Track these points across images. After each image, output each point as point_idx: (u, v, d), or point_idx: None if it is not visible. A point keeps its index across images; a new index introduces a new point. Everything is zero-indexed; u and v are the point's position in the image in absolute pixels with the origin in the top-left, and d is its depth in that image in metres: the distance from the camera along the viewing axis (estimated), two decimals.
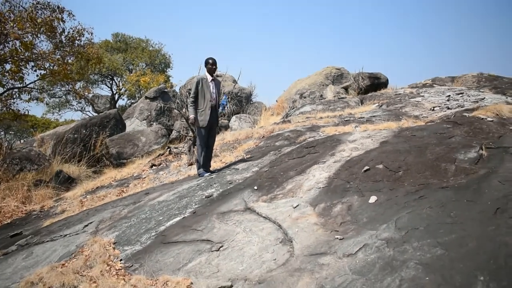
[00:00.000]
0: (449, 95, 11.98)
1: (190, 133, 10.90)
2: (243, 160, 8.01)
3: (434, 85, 16.12)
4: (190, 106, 7.42)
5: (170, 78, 31.04)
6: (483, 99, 10.67)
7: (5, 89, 12.61)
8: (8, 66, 12.31)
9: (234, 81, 19.71)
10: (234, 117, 15.86)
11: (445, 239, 3.27)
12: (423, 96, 12.72)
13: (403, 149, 5.84)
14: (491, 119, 6.91)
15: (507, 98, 10.93)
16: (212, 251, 4.23)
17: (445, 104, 10.56)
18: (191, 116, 7.36)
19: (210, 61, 7.54)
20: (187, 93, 16.40)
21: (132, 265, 4.34)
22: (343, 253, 3.51)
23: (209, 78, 7.52)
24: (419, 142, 6.12)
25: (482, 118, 7.02)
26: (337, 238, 3.84)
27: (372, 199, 4.51)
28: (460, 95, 11.85)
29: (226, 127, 14.98)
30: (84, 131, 13.79)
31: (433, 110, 10.06)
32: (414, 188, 4.52)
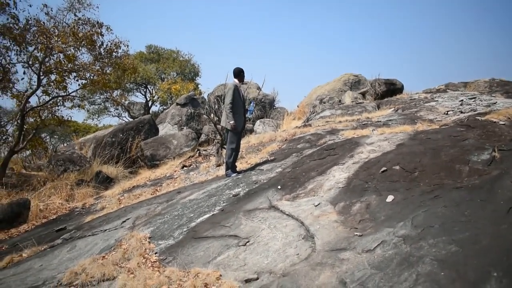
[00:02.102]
0: (462, 100, 11.73)
1: (218, 137, 10.97)
2: (267, 162, 8.02)
3: (448, 90, 15.81)
4: (230, 112, 7.30)
5: (199, 86, 31.20)
6: (495, 103, 10.41)
7: (50, 98, 12.91)
8: (53, 77, 12.61)
9: (259, 88, 19.76)
10: (258, 121, 15.88)
11: (460, 236, 3.22)
12: (437, 100, 12.50)
13: (419, 151, 5.76)
14: (503, 123, 6.74)
15: None
16: (239, 246, 4.26)
17: (458, 109, 10.35)
18: (232, 122, 7.28)
19: (243, 71, 7.64)
20: (215, 100, 16.52)
21: (166, 258, 4.40)
22: (362, 249, 3.49)
23: (239, 86, 7.61)
24: (433, 144, 6.02)
25: (495, 122, 6.85)
26: (356, 234, 3.82)
27: (389, 198, 4.47)
28: (473, 99, 11.59)
29: (251, 131, 15.01)
30: (121, 135, 14.01)
31: (447, 114, 9.87)
32: (430, 188, 4.45)
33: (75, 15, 12.43)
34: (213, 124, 12.84)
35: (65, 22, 12.34)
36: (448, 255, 3.02)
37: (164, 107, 28.74)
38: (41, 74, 12.11)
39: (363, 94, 17.98)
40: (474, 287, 2.63)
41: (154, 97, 29.66)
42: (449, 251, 3.07)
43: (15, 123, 13.46)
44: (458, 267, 2.85)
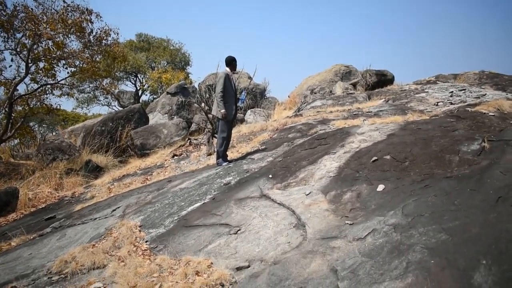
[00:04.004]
0: (452, 91, 11.79)
1: (209, 126, 10.92)
2: (258, 151, 8.00)
3: (438, 81, 15.87)
4: (221, 101, 7.27)
5: (190, 75, 30.99)
6: (484, 95, 10.49)
7: (39, 85, 12.75)
8: (41, 64, 12.46)
9: (250, 78, 19.67)
10: (249, 111, 15.83)
11: (450, 225, 3.25)
12: (427, 92, 12.54)
13: (409, 141, 5.79)
14: (492, 114, 6.80)
15: (507, 94, 10.74)
16: (230, 234, 4.25)
17: (448, 100, 10.40)
18: (223, 111, 7.25)
19: (235, 59, 7.58)
20: (206, 89, 16.43)
21: (156, 246, 4.38)
22: (353, 237, 3.50)
23: (231, 74, 7.55)
24: (424, 134, 6.05)
25: (484, 113, 6.91)
26: (347, 223, 3.83)
27: (380, 187, 4.49)
28: (463, 91, 11.65)
29: (242, 120, 14.97)
30: (110, 124, 13.89)
31: (437, 105, 9.91)
32: (420, 178, 4.48)
33: (64, 1, 12.25)
34: (204, 113, 12.77)
35: (53, 9, 12.15)
36: (438, 244, 3.04)
37: (154, 96, 28.57)
38: (30, 62, 11.94)
39: (354, 85, 17.98)
40: (463, 275, 2.66)
41: (144, 86, 29.45)
42: (439, 239, 3.09)
43: (3, 111, 13.28)
44: (448, 255, 2.88)
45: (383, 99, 12.51)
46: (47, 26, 11.54)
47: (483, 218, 3.24)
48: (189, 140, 11.74)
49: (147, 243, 4.55)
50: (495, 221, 3.16)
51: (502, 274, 2.58)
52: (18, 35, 11.74)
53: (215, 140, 9.33)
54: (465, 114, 6.96)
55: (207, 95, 15.07)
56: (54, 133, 21.31)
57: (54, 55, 12.08)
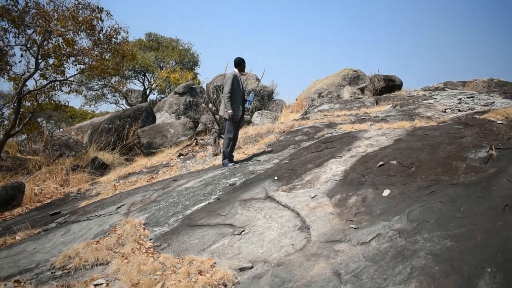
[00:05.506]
0: (460, 98, 11.73)
1: (216, 126, 10.94)
2: (264, 153, 8.00)
3: (446, 88, 15.79)
4: (228, 101, 7.31)
5: (198, 75, 31.05)
6: (493, 103, 10.43)
7: (48, 82, 12.84)
8: (51, 61, 12.55)
9: (258, 80, 19.68)
10: (256, 113, 15.83)
11: (455, 232, 3.22)
12: (435, 98, 12.49)
13: (416, 147, 5.76)
14: (500, 122, 6.75)
15: None
16: (234, 235, 4.26)
17: (456, 107, 10.35)
18: (230, 111, 7.29)
19: (243, 61, 7.63)
20: (214, 89, 16.45)
21: (160, 245, 4.39)
22: (357, 241, 3.49)
23: (239, 76, 7.59)
24: (431, 141, 6.02)
25: (492, 121, 6.87)
26: (352, 227, 3.82)
27: (386, 192, 4.47)
28: (471, 98, 11.60)
29: (249, 122, 14.97)
30: (118, 122, 13.96)
31: (445, 112, 9.87)
32: (426, 184, 4.46)
33: None
34: (211, 114, 12.79)
35: (64, 6, 12.23)
36: (443, 250, 3.02)
37: (162, 96, 28.66)
38: (39, 58, 12.03)
39: (362, 90, 17.94)
40: (468, 282, 2.64)
41: (152, 85, 29.56)
42: (444, 245, 3.07)
43: (12, 106, 13.40)
44: (453, 261, 2.86)
45: (391, 105, 12.46)
46: (58, 23, 11.63)
47: (489, 226, 3.21)
48: (195, 140, 11.76)
49: (151, 241, 4.56)
50: (501, 229, 3.13)
51: (507, 282, 2.55)
52: (29, 31, 11.84)
53: (221, 141, 9.34)
54: (473, 122, 6.92)
55: (215, 95, 15.08)
56: (61, 130, 21.45)
57: (64, 52, 12.17)
